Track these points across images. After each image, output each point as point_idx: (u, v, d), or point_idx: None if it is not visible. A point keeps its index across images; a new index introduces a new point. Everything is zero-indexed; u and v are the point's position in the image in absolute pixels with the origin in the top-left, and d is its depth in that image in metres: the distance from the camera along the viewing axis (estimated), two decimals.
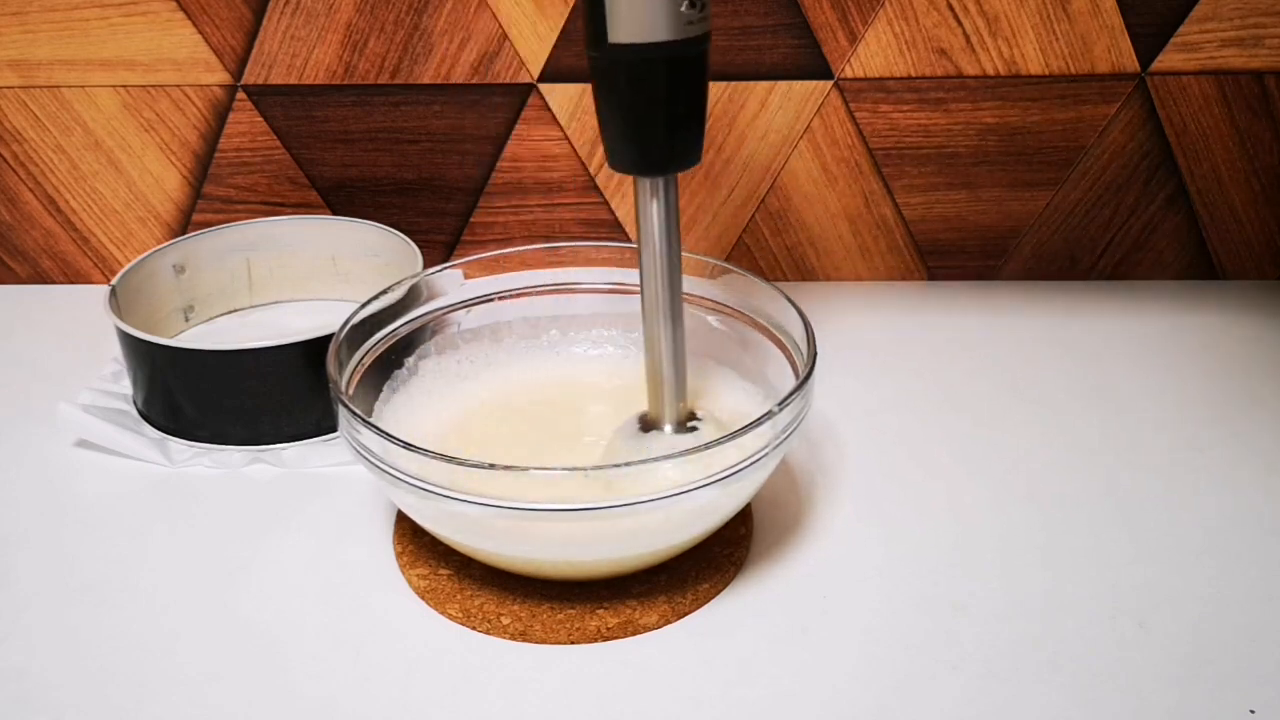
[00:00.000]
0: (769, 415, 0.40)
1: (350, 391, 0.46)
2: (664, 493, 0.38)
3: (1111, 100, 0.64)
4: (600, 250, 0.52)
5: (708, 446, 0.39)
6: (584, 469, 0.38)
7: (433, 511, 0.41)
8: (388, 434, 0.40)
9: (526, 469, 0.38)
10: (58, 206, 0.68)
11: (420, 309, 0.51)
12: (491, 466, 0.38)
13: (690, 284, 0.51)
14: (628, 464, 0.38)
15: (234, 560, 0.46)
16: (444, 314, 0.52)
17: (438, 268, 0.52)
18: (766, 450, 0.40)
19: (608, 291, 0.53)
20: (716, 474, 0.39)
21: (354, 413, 0.41)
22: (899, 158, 0.66)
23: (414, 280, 0.51)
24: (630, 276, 0.52)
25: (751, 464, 0.40)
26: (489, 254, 0.52)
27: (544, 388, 0.52)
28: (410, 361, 0.51)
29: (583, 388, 0.52)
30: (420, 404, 0.50)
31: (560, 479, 0.38)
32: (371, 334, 0.48)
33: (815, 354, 0.44)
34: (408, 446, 0.39)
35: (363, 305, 0.48)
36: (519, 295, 0.53)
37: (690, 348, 0.44)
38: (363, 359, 0.48)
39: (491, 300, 0.52)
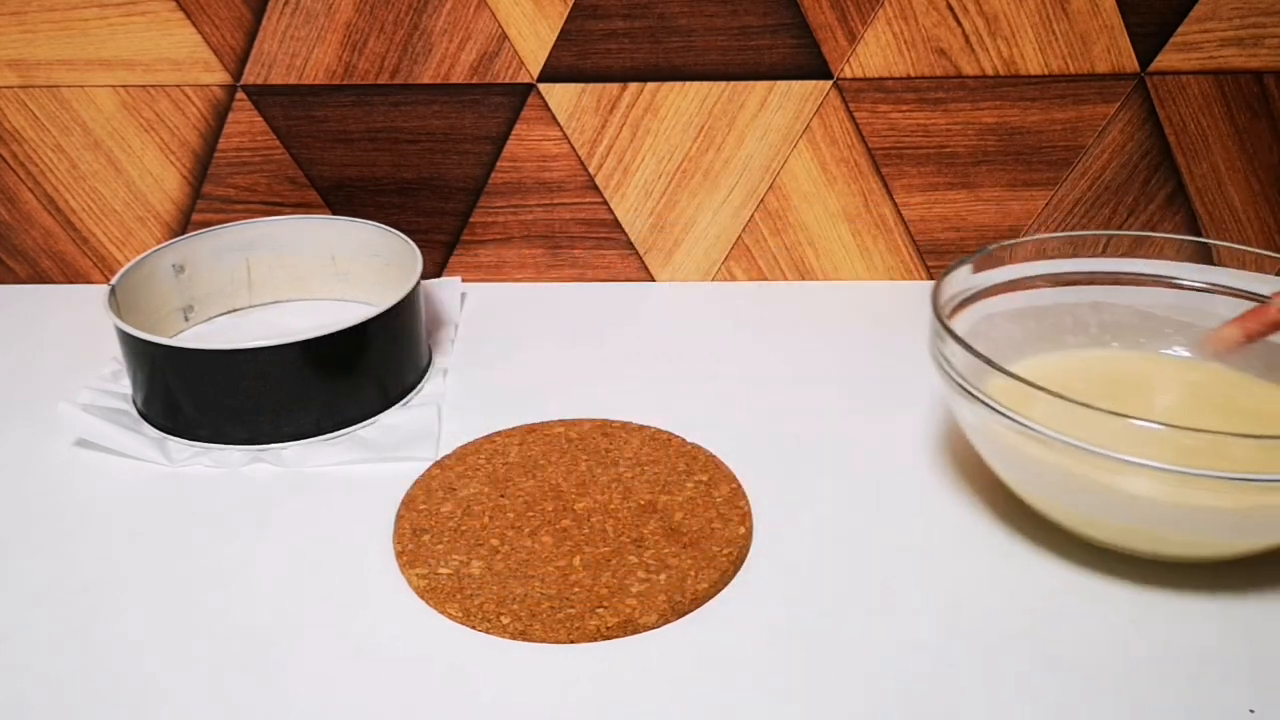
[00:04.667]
0: None
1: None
2: None
3: (1111, 100, 0.64)
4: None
5: None
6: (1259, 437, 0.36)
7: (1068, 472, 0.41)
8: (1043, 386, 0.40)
9: (1194, 429, 0.37)
10: (57, 206, 0.68)
11: None
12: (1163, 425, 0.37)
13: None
14: None
15: (233, 560, 0.46)
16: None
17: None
18: None
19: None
20: None
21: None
22: (898, 157, 0.66)
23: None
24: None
25: None
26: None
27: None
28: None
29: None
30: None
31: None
32: None
33: None
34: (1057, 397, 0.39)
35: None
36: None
37: None
38: None
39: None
